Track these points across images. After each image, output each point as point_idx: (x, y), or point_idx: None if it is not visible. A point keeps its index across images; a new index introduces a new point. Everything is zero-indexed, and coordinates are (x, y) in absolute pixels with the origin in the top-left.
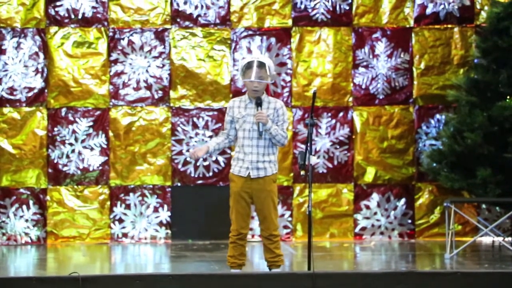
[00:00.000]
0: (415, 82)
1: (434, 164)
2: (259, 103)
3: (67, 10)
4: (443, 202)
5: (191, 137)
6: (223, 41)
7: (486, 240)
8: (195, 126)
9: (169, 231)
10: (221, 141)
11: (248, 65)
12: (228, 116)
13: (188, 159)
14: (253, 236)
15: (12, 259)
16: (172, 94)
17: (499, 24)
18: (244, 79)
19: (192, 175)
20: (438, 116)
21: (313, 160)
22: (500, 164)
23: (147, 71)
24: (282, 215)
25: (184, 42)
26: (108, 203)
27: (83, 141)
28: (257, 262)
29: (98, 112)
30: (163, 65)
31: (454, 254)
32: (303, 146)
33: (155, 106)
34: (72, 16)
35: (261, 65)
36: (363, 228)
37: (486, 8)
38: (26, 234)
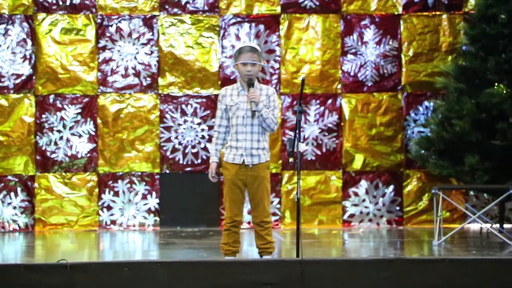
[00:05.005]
0: (403, 69)
1: (423, 151)
2: (251, 84)
3: None
4: (431, 189)
5: (179, 124)
6: (212, 28)
7: (474, 227)
8: (183, 113)
9: (157, 218)
10: (221, 146)
11: (240, 50)
12: (222, 105)
13: (176, 146)
14: (249, 223)
15: (0, 246)
16: (161, 81)
17: (487, 11)
18: (237, 62)
19: (181, 162)
20: (426, 103)
21: (302, 147)
22: (488, 151)
23: (135, 58)
24: (271, 202)
25: (173, 29)
26: (97, 190)
27: (71, 128)
28: (245, 249)
29: (86, 99)
30: (152, 52)
31: (442, 241)
32: (292, 133)
33: (143, 93)
34: (60, 3)
35: (253, 49)
36: (352, 215)
37: None
38: (14, 221)
